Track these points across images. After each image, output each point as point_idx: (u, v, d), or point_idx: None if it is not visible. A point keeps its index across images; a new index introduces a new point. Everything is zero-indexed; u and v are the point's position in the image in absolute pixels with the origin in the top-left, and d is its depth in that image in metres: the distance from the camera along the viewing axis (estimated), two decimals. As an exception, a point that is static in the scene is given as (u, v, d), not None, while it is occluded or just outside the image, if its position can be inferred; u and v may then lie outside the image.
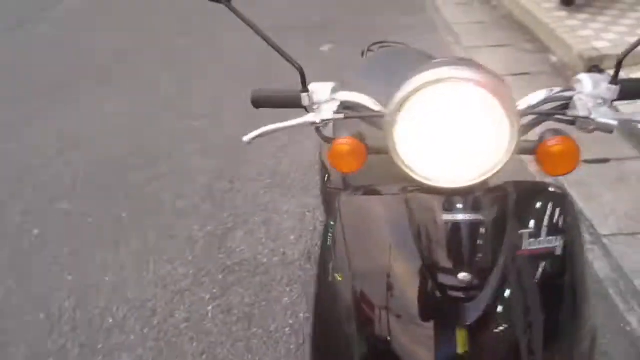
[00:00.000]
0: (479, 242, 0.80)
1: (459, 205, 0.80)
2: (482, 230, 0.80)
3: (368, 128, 0.94)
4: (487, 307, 0.77)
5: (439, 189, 0.80)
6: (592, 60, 3.19)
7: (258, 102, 0.98)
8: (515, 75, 3.39)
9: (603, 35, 3.43)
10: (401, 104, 0.74)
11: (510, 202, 0.83)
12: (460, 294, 0.80)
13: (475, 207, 0.80)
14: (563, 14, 3.85)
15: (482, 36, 4.11)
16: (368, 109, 0.91)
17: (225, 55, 4.17)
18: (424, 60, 1.83)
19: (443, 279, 0.81)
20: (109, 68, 4.11)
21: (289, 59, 0.90)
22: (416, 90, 0.73)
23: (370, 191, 0.97)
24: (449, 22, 4.44)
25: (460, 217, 0.80)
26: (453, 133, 0.74)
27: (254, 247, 2.21)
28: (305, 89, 0.90)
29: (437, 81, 0.71)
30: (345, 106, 0.92)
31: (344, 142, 0.85)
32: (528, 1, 4.22)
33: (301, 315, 1.90)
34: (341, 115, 0.89)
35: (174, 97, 3.54)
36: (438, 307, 0.81)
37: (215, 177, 2.67)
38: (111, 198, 2.58)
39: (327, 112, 0.89)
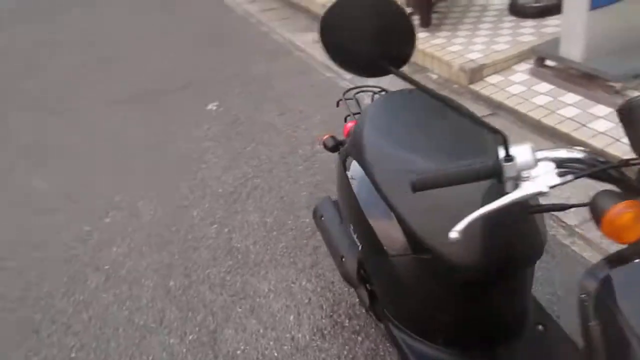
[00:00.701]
0: None
1: None
2: None
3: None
4: None
5: None
6: (474, 70, 3.47)
7: (426, 185, 0.80)
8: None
9: (471, 47, 3.76)
10: None
11: None
12: None
13: None
14: (425, 34, 4.15)
15: (359, 67, 4.24)
16: (592, 163, 0.78)
17: (104, 136, 3.69)
18: (438, 102, 1.72)
19: None
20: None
21: (486, 125, 0.76)
22: None
23: None
24: (320, 61, 4.51)
25: None
26: None
27: (255, 343, 1.92)
28: (509, 157, 0.76)
29: None
30: (559, 165, 0.79)
31: (626, 208, 0.70)
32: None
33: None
34: (571, 177, 0.76)
35: (61, 196, 3.00)
36: None
37: (165, 275, 2.29)
38: (43, 339, 2.06)
39: (549, 176, 0.76)
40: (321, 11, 5.02)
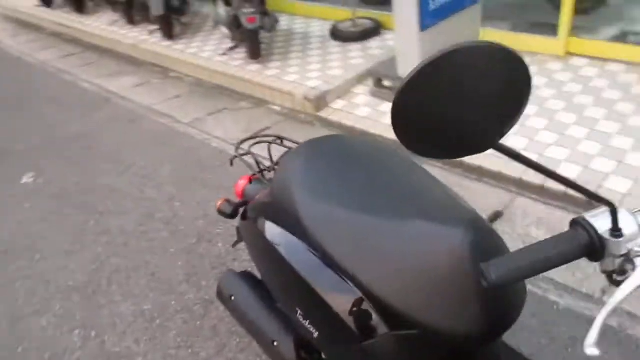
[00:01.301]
0: None
1: None
2: None
3: None
4: None
5: None
6: (319, 98, 3.44)
7: (509, 279, 0.62)
8: (263, 131, 3.38)
9: (307, 75, 3.74)
10: None
11: None
12: None
13: None
14: (255, 67, 4.02)
15: (195, 107, 3.93)
16: None
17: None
18: (362, 146, 1.52)
19: None
20: None
21: (591, 194, 0.61)
22: None
23: None
24: (146, 105, 4.09)
25: None
26: None
27: None
28: (618, 230, 0.61)
29: None
30: None
31: None
32: (216, 64, 4.25)
33: None
34: None
35: None
36: None
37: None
38: None
39: None
40: (131, 52, 4.56)
